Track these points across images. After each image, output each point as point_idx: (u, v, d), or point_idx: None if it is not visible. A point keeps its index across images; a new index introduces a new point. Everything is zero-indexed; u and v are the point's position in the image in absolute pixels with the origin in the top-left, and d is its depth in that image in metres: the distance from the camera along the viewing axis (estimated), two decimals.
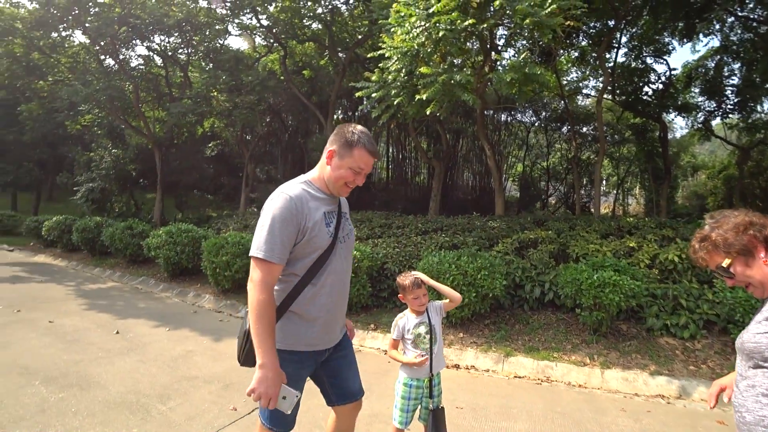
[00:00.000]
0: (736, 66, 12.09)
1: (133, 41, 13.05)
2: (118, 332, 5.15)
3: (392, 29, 5.72)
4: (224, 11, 12.44)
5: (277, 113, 16.86)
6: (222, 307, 6.65)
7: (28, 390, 3.48)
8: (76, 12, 11.00)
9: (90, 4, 10.96)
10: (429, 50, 5.22)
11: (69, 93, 11.66)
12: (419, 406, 2.48)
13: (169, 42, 13.47)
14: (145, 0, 11.26)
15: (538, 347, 4.75)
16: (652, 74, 13.23)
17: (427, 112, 5.64)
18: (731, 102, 12.69)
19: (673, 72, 13.37)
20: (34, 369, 3.91)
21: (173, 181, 15.86)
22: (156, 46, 13.42)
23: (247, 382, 1.45)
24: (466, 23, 4.88)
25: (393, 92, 5.84)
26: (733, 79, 12.54)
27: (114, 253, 9.96)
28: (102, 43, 12.25)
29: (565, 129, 17.63)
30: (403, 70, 5.62)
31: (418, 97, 5.44)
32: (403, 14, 5.41)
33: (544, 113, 17.42)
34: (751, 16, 10.72)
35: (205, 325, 5.68)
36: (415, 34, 5.18)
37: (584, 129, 17.13)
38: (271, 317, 1.59)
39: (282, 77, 13.84)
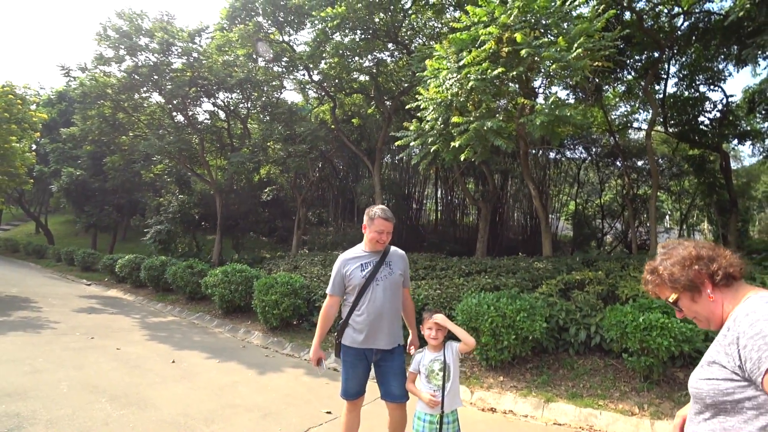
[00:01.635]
0: None
1: (201, 99, 14.63)
2: (174, 361, 5.57)
3: (428, 81, 6.11)
4: (280, 69, 13.70)
5: (328, 160, 17.80)
6: (269, 343, 6.94)
7: (96, 405, 3.92)
8: (155, 78, 12.60)
9: (167, 70, 12.53)
10: (462, 99, 5.50)
11: (145, 146, 13.15)
12: None
13: (231, 98, 14.94)
14: (212, 64, 12.69)
15: (582, 394, 4.54)
16: (707, 103, 12.67)
17: (462, 158, 5.84)
18: None
19: (731, 98, 12.68)
20: (102, 388, 4.37)
21: (231, 224, 16.97)
22: (220, 102, 14.93)
23: (285, 413, 1.83)
24: (496, 72, 5.14)
25: (430, 140, 6.14)
26: None
27: (175, 290, 10.73)
28: (174, 102, 13.84)
29: (618, 164, 17.08)
30: (439, 119, 5.93)
31: (453, 144, 5.69)
32: (437, 68, 5.79)
33: (594, 149, 17.04)
34: None
35: (252, 359, 5.98)
36: (448, 85, 5.51)
37: (638, 163, 16.51)
38: (323, 325, 2.85)
39: (332, 126, 14.76)
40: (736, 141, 13.58)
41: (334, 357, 3.10)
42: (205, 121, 15.78)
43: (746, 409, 1.10)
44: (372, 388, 3.06)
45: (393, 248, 2.95)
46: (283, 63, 13.35)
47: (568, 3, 5.59)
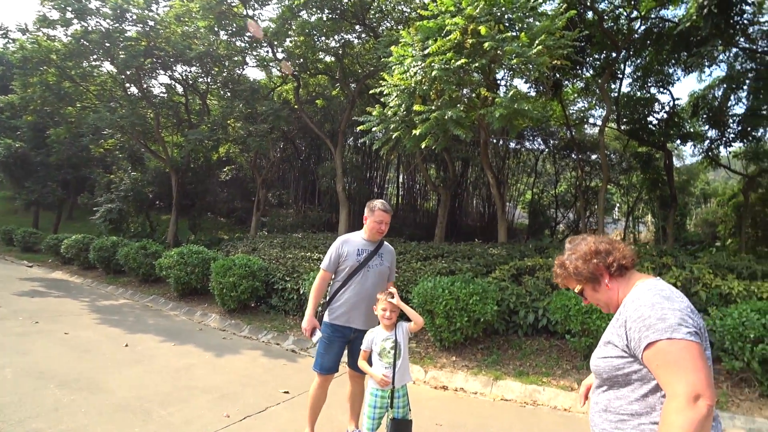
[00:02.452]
0: (743, 95, 12.20)
1: (157, 71, 13.86)
2: (127, 345, 5.43)
3: (393, 67, 6.14)
4: (243, 44, 13.20)
5: (290, 140, 17.49)
6: (227, 326, 6.89)
7: (44, 392, 3.79)
8: (107, 45, 11.80)
9: (120, 38, 11.76)
10: (425, 87, 5.58)
11: (95, 119, 12.36)
12: (385, 415, 2.70)
13: (190, 72, 14.23)
14: (170, 35, 12.04)
15: (528, 372, 4.85)
16: (657, 104, 13.40)
17: (422, 146, 5.95)
18: (733, 131, 12.73)
19: (677, 101, 13.51)
20: (50, 374, 4.21)
21: (188, 203, 16.40)
22: (178, 76, 14.20)
23: (243, 393, 1.88)
24: (460, 62, 5.25)
25: (392, 126, 6.20)
26: (737, 108, 12.61)
27: (127, 272, 10.33)
28: (128, 73, 13.05)
29: (573, 157, 17.85)
30: (402, 106, 5.99)
31: (414, 131, 5.78)
32: (402, 54, 5.82)
33: (551, 141, 17.69)
34: (754, 47, 10.93)
35: (209, 341, 5.93)
36: (413, 73, 5.57)
37: (592, 157, 17.32)
38: (316, 296, 3.10)
39: (296, 106, 14.46)
40: (679, 141, 14.44)
41: (311, 339, 3.12)
42: (161, 95, 14.97)
43: (633, 381, 1.32)
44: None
45: (386, 243, 3.25)
46: (246, 38, 12.87)
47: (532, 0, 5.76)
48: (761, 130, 12.33)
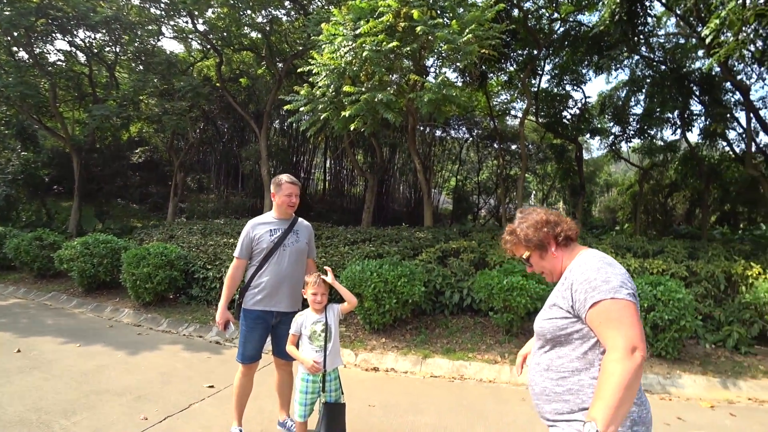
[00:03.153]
0: (641, 97, 13.69)
1: (53, 35, 12.11)
2: (19, 351, 4.77)
3: (323, 46, 5.94)
4: (159, 12, 11.97)
5: (211, 121, 16.39)
6: (142, 321, 6.36)
7: None
8: None
9: None
10: (355, 69, 5.49)
11: None
12: (318, 400, 2.65)
13: (95, 39, 12.65)
14: None
15: (455, 349, 5.08)
16: (571, 100, 14.63)
17: (351, 128, 5.87)
18: (633, 128, 14.30)
19: (588, 99, 14.90)
20: None
21: (94, 188, 14.79)
22: (80, 42, 12.55)
23: (163, 392, 1.71)
24: (391, 45, 5.22)
25: (320, 107, 6.02)
26: (637, 109, 14.16)
27: (19, 267, 9.09)
28: (15, 34, 11.26)
29: (495, 146, 18.81)
30: (331, 87, 5.83)
31: (343, 113, 5.67)
32: (332, 33, 5.65)
33: (476, 131, 18.46)
34: (652, 56, 12.30)
35: (122, 339, 5.43)
36: (343, 53, 5.43)
37: (512, 147, 18.39)
38: (230, 286, 2.97)
39: (217, 84, 13.54)
40: (588, 135, 15.93)
41: (225, 332, 3.00)
42: (59, 63, 13.19)
43: (574, 340, 1.44)
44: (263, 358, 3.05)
45: (300, 219, 3.13)
46: (162, 5, 11.69)
47: None
48: (655, 129, 13.94)
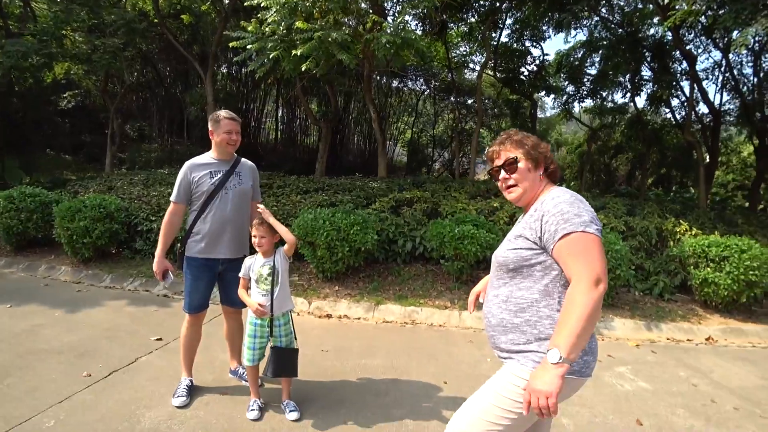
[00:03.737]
0: (597, 59, 13.90)
1: None
2: None
3: None
4: None
5: (150, 62, 15.02)
6: (82, 278, 5.99)
7: None
8: None
9: None
10: (308, 4, 5.10)
11: None
12: (267, 345, 2.65)
13: None
14: None
15: (407, 295, 5.23)
16: (529, 57, 14.62)
17: (303, 69, 5.54)
18: (587, 89, 14.64)
19: (546, 57, 14.97)
20: None
21: (16, 137, 13.34)
22: None
23: (107, 348, 1.94)
24: None
25: (270, 45, 5.60)
26: (592, 70, 14.41)
27: None
28: None
29: (451, 99, 18.70)
30: (282, 24, 5.42)
31: (294, 52, 5.32)
32: None
33: (433, 83, 18.18)
34: (611, 19, 12.39)
35: (59, 297, 5.11)
36: None
37: (468, 101, 18.35)
38: (167, 233, 2.78)
39: (156, 20, 12.26)
40: (544, 93, 16.19)
41: (163, 283, 2.89)
42: None
43: (537, 272, 1.47)
44: (212, 308, 2.98)
45: (243, 160, 2.95)
46: None
47: None
48: (607, 91, 14.40)
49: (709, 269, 5.20)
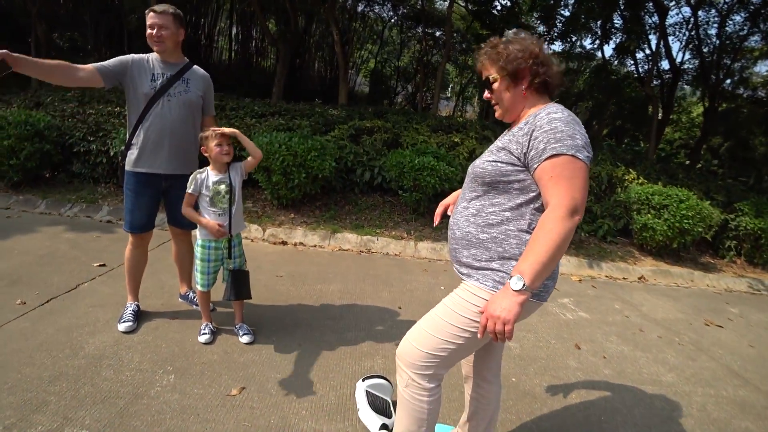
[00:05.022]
0: (571, 1, 13.40)
1: None
2: None
3: None
4: None
5: None
6: (12, 203, 5.49)
7: None
8: None
9: None
10: None
11: None
12: (221, 268, 2.55)
13: None
14: None
15: (364, 225, 5.22)
16: None
17: None
18: (558, 30, 14.27)
19: None
20: None
21: None
22: None
23: (43, 275, 2.27)
24: None
25: None
26: (565, 12, 13.96)
27: None
28: None
29: (419, 30, 17.77)
30: None
31: None
32: None
33: (402, 10, 17.11)
34: None
35: None
36: None
37: (437, 33, 17.51)
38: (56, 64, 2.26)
39: None
40: (515, 30, 15.58)
41: (108, 209, 2.61)
42: None
43: (513, 189, 1.38)
44: (159, 234, 2.79)
45: (195, 67, 2.62)
46: None
47: None
48: (577, 36, 14.17)
49: (649, 216, 5.57)
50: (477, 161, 1.47)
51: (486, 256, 1.40)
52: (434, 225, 1.85)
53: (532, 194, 1.36)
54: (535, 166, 1.30)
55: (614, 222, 6.04)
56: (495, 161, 1.39)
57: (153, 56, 2.51)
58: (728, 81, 13.12)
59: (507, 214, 1.39)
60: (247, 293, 2.58)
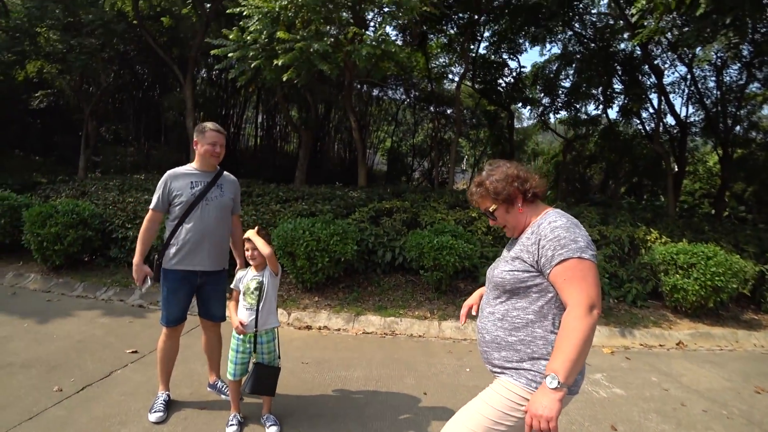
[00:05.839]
0: (571, 72, 14.37)
1: None
2: None
3: None
4: None
5: (127, 64, 14.70)
6: (52, 286, 5.81)
7: None
8: None
9: None
10: (291, 15, 5.13)
11: None
12: (250, 360, 2.65)
13: None
14: None
15: (387, 306, 5.26)
16: (506, 69, 15.06)
17: (284, 78, 5.56)
18: (561, 101, 15.11)
19: (523, 69, 15.52)
20: None
21: None
22: None
23: (79, 361, 2.38)
24: None
25: (251, 54, 5.59)
26: (566, 83, 14.90)
27: None
28: None
29: (431, 109, 18.93)
30: (264, 33, 5.43)
31: (276, 62, 5.33)
32: None
33: (413, 93, 18.40)
34: (584, 33, 12.85)
35: (28, 307, 4.94)
36: None
37: (447, 111, 18.62)
38: (144, 240, 2.74)
39: (134, 22, 12.03)
40: (520, 104, 16.64)
41: (142, 288, 2.82)
42: None
43: (533, 293, 1.52)
44: (190, 320, 2.95)
45: (225, 173, 2.94)
46: None
47: None
48: (580, 103, 14.93)
49: (678, 276, 5.39)
50: (495, 270, 1.63)
51: (516, 357, 1.51)
52: (461, 324, 1.96)
53: (551, 295, 1.50)
54: (548, 271, 1.46)
55: (642, 285, 5.84)
56: (512, 270, 1.55)
57: (191, 165, 2.85)
58: (738, 128, 13.17)
59: (531, 316, 1.52)
60: (268, 389, 2.64)
